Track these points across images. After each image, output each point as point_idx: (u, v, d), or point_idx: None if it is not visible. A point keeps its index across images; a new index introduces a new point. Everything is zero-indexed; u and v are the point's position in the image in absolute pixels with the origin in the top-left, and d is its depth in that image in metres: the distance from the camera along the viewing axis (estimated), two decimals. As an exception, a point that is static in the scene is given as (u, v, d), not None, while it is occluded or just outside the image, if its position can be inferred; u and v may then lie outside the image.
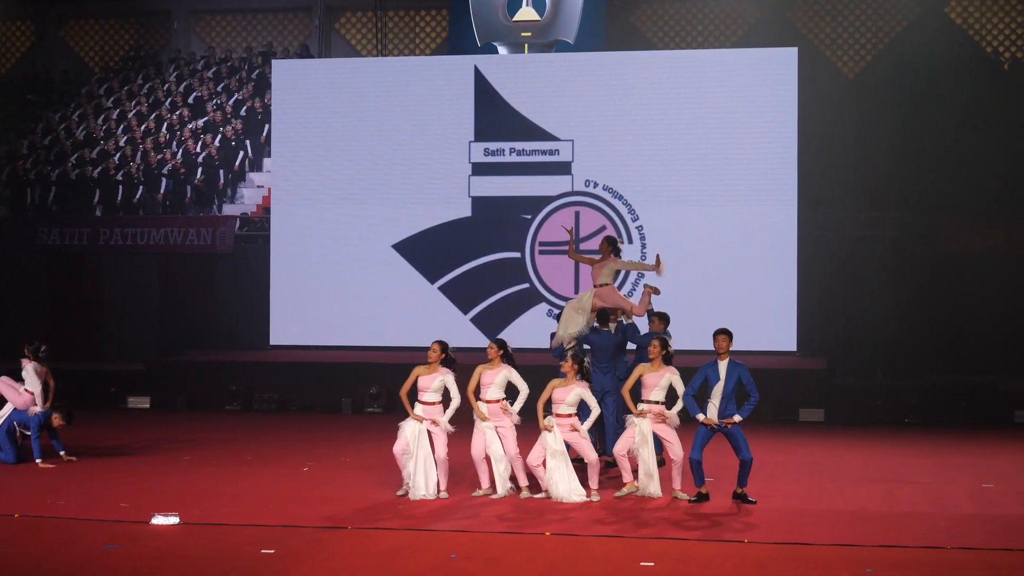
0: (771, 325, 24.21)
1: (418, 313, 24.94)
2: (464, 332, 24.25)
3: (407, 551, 11.57)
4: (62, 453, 16.70)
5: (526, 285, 25.01)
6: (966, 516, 13.37)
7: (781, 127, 24.57)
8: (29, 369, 16.72)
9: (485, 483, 14.44)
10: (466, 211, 25.64)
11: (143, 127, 29.86)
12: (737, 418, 13.76)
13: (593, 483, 14.14)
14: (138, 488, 14.83)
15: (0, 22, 34.84)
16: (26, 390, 16.65)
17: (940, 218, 25.20)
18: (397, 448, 14.32)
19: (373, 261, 25.74)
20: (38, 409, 16.54)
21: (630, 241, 24.87)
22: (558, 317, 16.85)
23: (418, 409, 14.42)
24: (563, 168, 25.34)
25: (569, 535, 12.25)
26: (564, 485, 14.03)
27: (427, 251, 25.61)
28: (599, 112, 25.23)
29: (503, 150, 25.54)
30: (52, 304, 27.39)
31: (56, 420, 16.61)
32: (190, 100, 30.68)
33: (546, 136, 25.39)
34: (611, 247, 16.59)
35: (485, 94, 25.67)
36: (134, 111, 30.49)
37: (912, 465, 17.04)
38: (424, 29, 32.53)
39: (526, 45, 27.83)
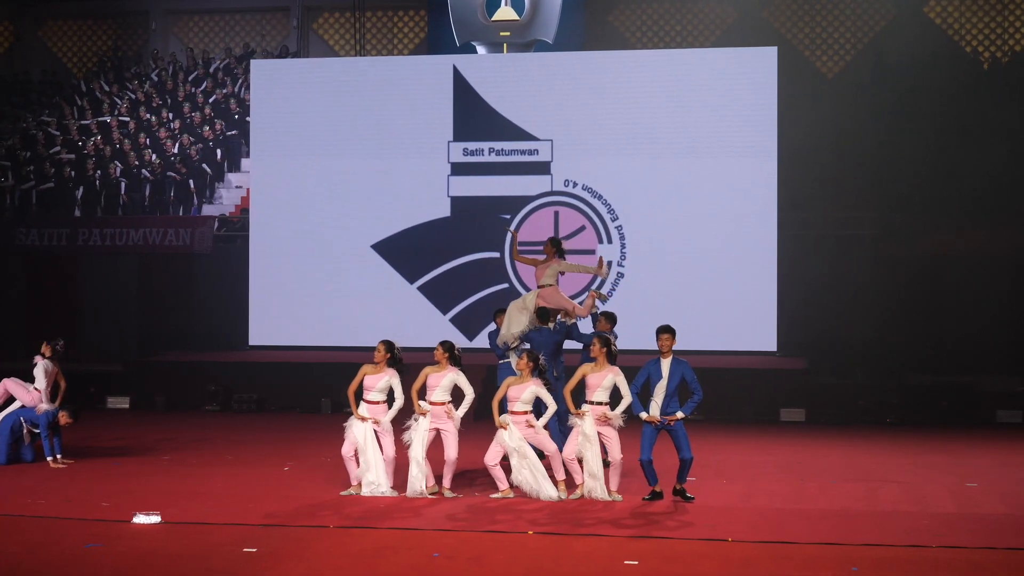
0: (751, 325, 24.25)
1: (397, 313, 24.86)
2: (443, 332, 24.05)
3: (389, 550, 11.50)
4: (58, 455, 16.53)
5: (505, 285, 24.96)
6: (949, 515, 13.37)
7: (760, 127, 24.60)
8: (40, 367, 16.65)
9: (430, 482, 14.40)
10: (445, 211, 25.60)
11: (121, 129, 29.70)
12: (680, 415, 13.73)
13: (559, 474, 14.09)
14: (118, 488, 14.74)
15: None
16: (35, 388, 16.56)
17: (920, 218, 25.25)
18: (345, 450, 14.33)
19: (352, 261, 25.68)
20: (46, 407, 16.45)
21: (609, 241, 24.89)
22: (494, 317, 16.90)
23: (363, 408, 14.39)
24: (542, 168, 25.32)
25: (552, 534, 12.19)
26: (533, 481, 13.96)
27: (406, 251, 25.57)
28: (578, 112, 25.22)
29: (482, 150, 25.51)
30: (30, 304, 27.26)
31: (63, 418, 16.54)
32: (168, 101, 30.53)
33: (525, 136, 25.37)
34: (555, 248, 16.86)
35: (464, 94, 25.64)
36: (112, 113, 30.31)
37: (894, 465, 17.05)
38: (403, 29, 32.48)
39: (505, 45, 27.84)
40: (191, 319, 26.73)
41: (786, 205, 24.78)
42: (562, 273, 16.97)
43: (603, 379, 13.94)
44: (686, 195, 24.80)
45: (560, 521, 12.81)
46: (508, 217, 25.17)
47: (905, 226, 25.29)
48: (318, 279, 25.79)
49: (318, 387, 23.09)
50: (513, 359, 16.13)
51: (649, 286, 24.62)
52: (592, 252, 24.77)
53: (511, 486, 14.18)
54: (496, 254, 25.24)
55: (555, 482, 14.09)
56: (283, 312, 25.82)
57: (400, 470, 14.56)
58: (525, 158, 25.44)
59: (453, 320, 25.06)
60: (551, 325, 16.21)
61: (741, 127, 24.68)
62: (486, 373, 20.62)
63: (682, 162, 24.86)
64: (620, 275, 24.90)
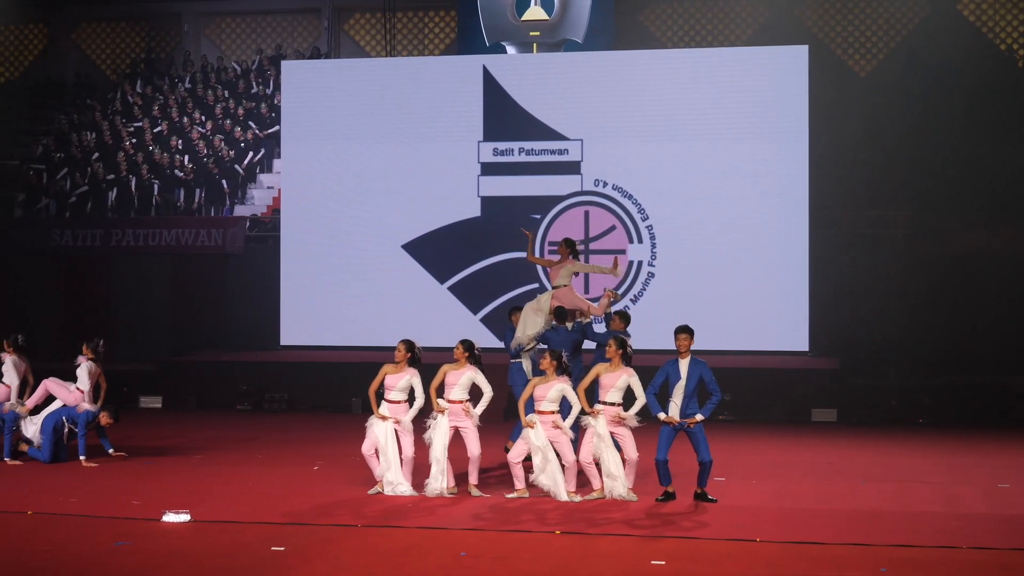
0: (783, 325, 24.16)
1: (428, 313, 24.87)
2: (474, 332, 23.95)
3: (416, 549, 11.53)
4: (110, 451, 16.75)
5: (535, 285, 24.91)
6: (981, 516, 13.30)
7: (791, 125, 24.49)
8: (83, 368, 16.73)
9: (450, 482, 14.42)
10: (475, 211, 25.60)
11: (154, 131, 29.84)
12: (699, 417, 13.67)
13: (571, 485, 14.07)
14: (149, 486, 14.82)
15: (13, 25, 34.86)
16: (77, 388, 16.66)
17: (952, 217, 25.10)
18: (365, 448, 14.37)
19: (383, 261, 25.71)
20: (87, 406, 16.55)
21: (640, 241, 24.85)
22: (509, 316, 16.89)
23: (383, 408, 14.42)
24: (572, 168, 25.29)
25: (579, 533, 12.20)
26: (553, 484, 13.96)
27: (436, 251, 25.58)
28: (608, 111, 25.18)
29: (512, 150, 25.51)
30: (64, 305, 27.39)
31: (104, 419, 16.65)
32: (199, 103, 30.67)
33: (555, 135, 25.35)
34: (569, 249, 16.88)
35: (494, 94, 25.64)
36: (145, 116, 30.45)
37: (925, 465, 16.97)
38: (433, 30, 32.50)
39: (535, 44, 27.78)
40: (223, 319, 26.83)
41: (817, 204, 24.68)
42: (576, 274, 17.00)
43: (617, 379, 13.92)
44: (717, 195, 24.72)
45: (579, 521, 12.80)
46: (538, 217, 25.17)
47: (938, 225, 25.16)
48: (349, 279, 25.83)
49: (348, 387, 23.11)
50: (525, 360, 16.17)
51: (679, 286, 24.56)
52: (623, 252, 24.79)
53: (528, 486, 14.18)
54: (526, 254, 25.16)
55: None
56: (314, 312, 25.87)
57: (420, 470, 14.59)
58: (555, 158, 25.43)
59: (484, 320, 25.04)
60: (569, 325, 16.20)
61: (772, 126, 24.60)
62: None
63: (713, 162, 24.78)
64: (651, 275, 24.85)
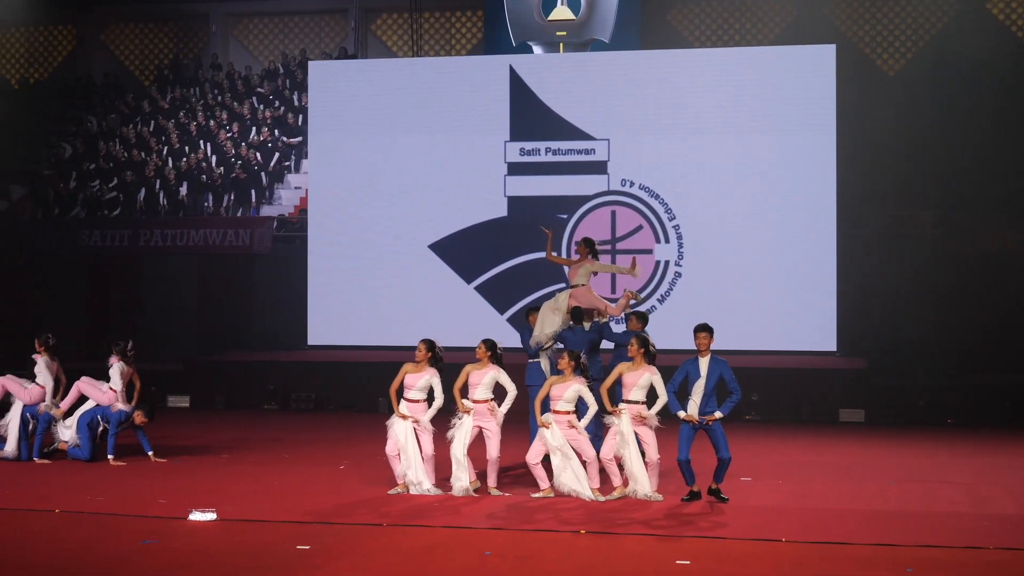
0: (810, 325, 24.11)
1: (454, 313, 24.89)
2: (500, 332, 23.97)
3: (441, 548, 11.53)
4: (150, 453, 16.79)
5: (562, 285, 24.80)
6: (1008, 517, 13.22)
7: (819, 125, 24.44)
8: (115, 368, 16.77)
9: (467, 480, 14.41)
10: (502, 211, 25.62)
11: (182, 135, 29.99)
12: (718, 415, 13.63)
13: (594, 482, 14.06)
14: (176, 485, 14.86)
15: (43, 26, 35.05)
16: (110, 388, 16.72)
17: (980, 216, 25.02)
18: (389, 448, 14.40)
19: (409, 261, 25.76)
20: (121, 406, 16.61)
21: (667, 241, 24.82)
22: (527, 316, 16.93)
23: (403, 407, 14.44)
24: (599, 167, 25.28)
25: (604, 533, 12.17)
26: (575, 483, 13.96)
27: (463, 251, 25.62)
28: (635, 111, 25.17)
29: (539, 150, 25.51)
30: (93, 305, 27.55)
31: (138, 417, 16.71)
32: (227, 106, 30.78)
33: (582, 135, 25.35)
34: (588, 248, 16.83)
35: (520, 94, 25.66)
36: (172, 120, 30.59)
37: (953, 466, 16.90)
38: (459, 30, 32.52)
39: (561, 44, 27.78)
40: (250, 319, 26.94)
41: (845, 204, 24.61)
42: (595, 273, 17.01)
43: (639, 378, 13.89)
44: (744, 194, 24.68)
45: (601, 521, 12.75)
46: (565, 217, 25.17)
47: (966, 224, 25.06)
48: (376, 279, 25.88)
49: (375, 386, 23.07)
50: (544, 360, 16.17)
51: (707, 286, 24.52)
52: (649, 252, 24.80)
53: (552, 486, 14.17)
54: (554, 253, 25.15)
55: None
56: (341, 312, 25.93)
57: (440, 468, 14.60)
58: (582, 158, 25.42)
59: (510, 320, 25.03)
60: (586, 325, 16.21)
61: (800, 126, 24.55)
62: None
63: (740, 161, 24.74)
64: (678, 275, 24.82)
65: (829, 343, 24.07)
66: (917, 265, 24.71)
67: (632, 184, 25.15)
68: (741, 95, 24.88)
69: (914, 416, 21.76)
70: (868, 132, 25.90)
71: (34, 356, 17.05)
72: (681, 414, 13.71)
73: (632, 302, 16.79)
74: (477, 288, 25.57)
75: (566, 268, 17.41)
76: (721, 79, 25.08)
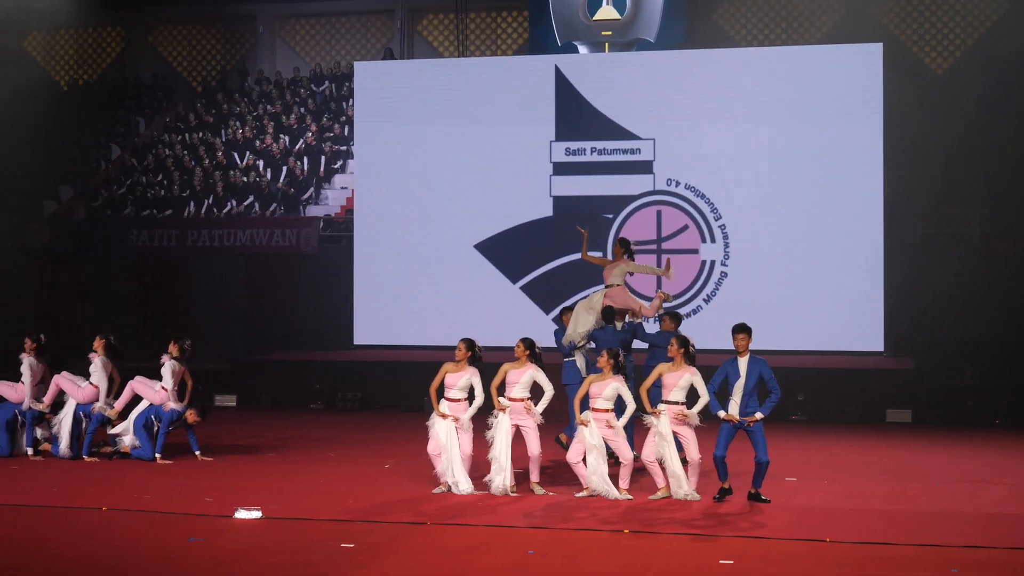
0: (858, 325, 23.96)
1: (500, 313, 24.90)
2: (546, 332, 24.03)
3: (485, 547, 11.56)
4: (197, 453, 16.92)
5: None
6: (1055, 517, 13.14)
7: (866, 124, 24.29)
8: (167, 367, 16.89)
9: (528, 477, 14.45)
10: (547, 211, 25.62)
11: (228, 141, 30.23)
12: (759, 415, 13.61)
13: (624, 483, 14.06)
14: (222, 483, 14.98)
15: (91, 28, 35.35)
16: (161, 387, 16.84)
17: (1030, 216, 24.82)
18: (431, 448, 14.46)
19: (455, 261, 25.80)
20: (173, 405, 16.75)
21: (712, 240, 24.76)
22: (559, 316, 16.92)
23: (443, 406, 14.49)
24: (645, 167, 25.24)
25: (647, 532, 12.17)
26: (601, 483, 13.99)
27: (509, 251, 25.63)
28: (680, 110, 25.10)
29: (584, 149, 25.50)
30: (140, 304, 27.74)
31: (191, 416, 16.83)
32: (274, 110, 30.99)
33: (627, 135, 25.31)
34: (624, 249, 17.01)
35: (566, 93, 25.65)
36: (222, 126, 30.81)
37: (1001, 466, 16.77)
38: (505, 30, 32.57)
39: (606, 44, 27.77)
40: (297, 319, 27.06)
41: (892, 203, 24.45)
42: (630, 274, 17.06)
43: (679, 379, 13.89)
44: (790, 194, 24.58)
45: (642, 520, 12.74)
46: (610, 217, 25.15)
47: (1015, 222, 24.87)
48: (422, 279, 25.94)
49: (421, 386, 22.83)
50: (579, 358, 16.22)
51: (753, 285, 24.44)
52: (695, 251, 24.76)
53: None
54: (599, 253, 25.08)
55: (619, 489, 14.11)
56: (387, 311, 26.00)
57: (478, 467, 14.64)
58: (627, 157, 25.39)
59: (556, 320, 24.93)
60: (618, 325, 16.23)
61: (846, 124, 24.40)
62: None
63: (786, 160, 24.64)
64: (724, 275, 24.75)
65: (876, 343, 23.92)
66: (965, 264, 24.53)
67: (678, 184, 25.10)
68: (787, 94, 24.77)
69: (962, 416, 21.60)
70: (915, 131, 25.74)
71: (90, 355, 17.15)
72: (721, 414, 13.71)
73: (665, 303, 16.83)
74: (523, 288, 25.58)
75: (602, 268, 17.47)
76: (767, 78, 24.98)
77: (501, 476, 14.28)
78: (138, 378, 17.15)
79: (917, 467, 16.63)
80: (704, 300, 24.58)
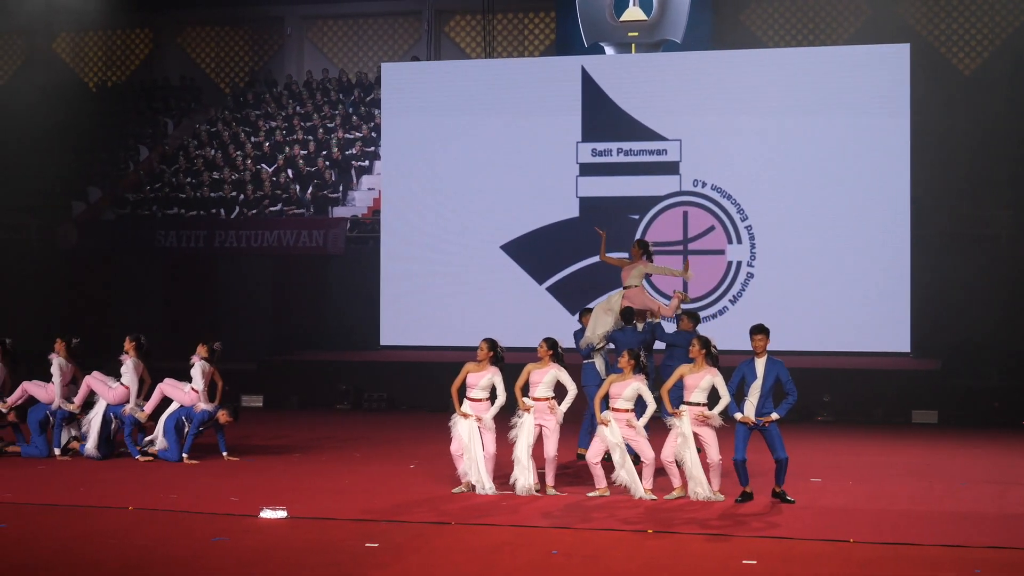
0: (884, 326, 23.92)
1: (526, 314, 24.90)
2: (572, 333, 24.21)
3: (509, 547, 11.60)
4: (224, 454, 16.97)
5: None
6: (1081, 518, 13.09)
7: (893, 125, 24.23)
8: (197, 367, 16.94)
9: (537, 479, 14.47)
10: (574, 212, 25.64)
11: (258, 143, 30.38)
12: (775, 416, 13.60)
13: (648, 483, 14.08)
14: (248, 483, 15.05)
15: (120, 30, 35.55)
16: (191, 388, 16.91)
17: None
18: (454, 449, 14.53)
19: (481, 262, 25.85)
20: (203, 406, 16.82)
21: (739, 241, 24.73)
22: (579, 317, 16.95)
23: (466, 405, 14.54)
24: (671, 168, 25.24)
25: (671, 532, 12.19)
26: (630, 481, 14.01)
27: (535, 252, 25.66)
28: (707, 111, 25.09)
29: (611, 150, 25.51)
30: (168, 304, 27.90)
31: (223, 417, 16.90)
32: (303, 113, 31.13)
33: (654, 136, 25.31)
34: (642, 250, 17.08)
35: (592, 94, 25.66)
36: (251, 133, 30.95)
37: (1027, 467, 16.73)
38: (532, 31, 32.61)
39: (633, 45, 27.76)
40: (324, 319, 27.15)
41: (919, 204, 24.39)
42: (648, 275, 17.11)
43: (701, 380, 13.89)
44: (817, 195, 24.53)
45: (663, 521, 12.76)
46: (636, 218, 25.16)
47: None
48: (448, 280, 25.99)
49: (447, 386, 22.90)
50: (598, 360, 16.25)
51: (779, 287, 24.42)
52: (722, 252, 24.76)
53: (609, 484, 14.20)
54: (625, 255, 24.89)
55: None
56: (414, 312, 26.05)
57: (501, 467, 14.69)
58: (654, 158, 25.39)
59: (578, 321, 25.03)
60: (638, 326, 16.25)
61: (873, 125, 24.35)
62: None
63: (813, 161, 24.61)
64: (750, 275, 24.73)
65: (903, 344, 23.86)
66: (991, 265, 24.45)
67: (704, 184, 25.09)
68: (814, 95, 24.73)
69: (988, 417, 21.52)
70: (943, 132, 25.67)
71: (121, 357, 17.22)
72: (738, 415, 13.71)
73: (684, 304, 16.88)
74: (549, 289, 25.61)
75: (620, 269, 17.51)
76: (794, 79, 24.95)
77: (525, 476, 14.32)
78: (167, 380, 17.18)
79: (943, 468, 16.59)
80: (730, 301, 24.56)
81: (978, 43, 29.58)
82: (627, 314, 16.34)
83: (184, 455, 16.71)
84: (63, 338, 17.46)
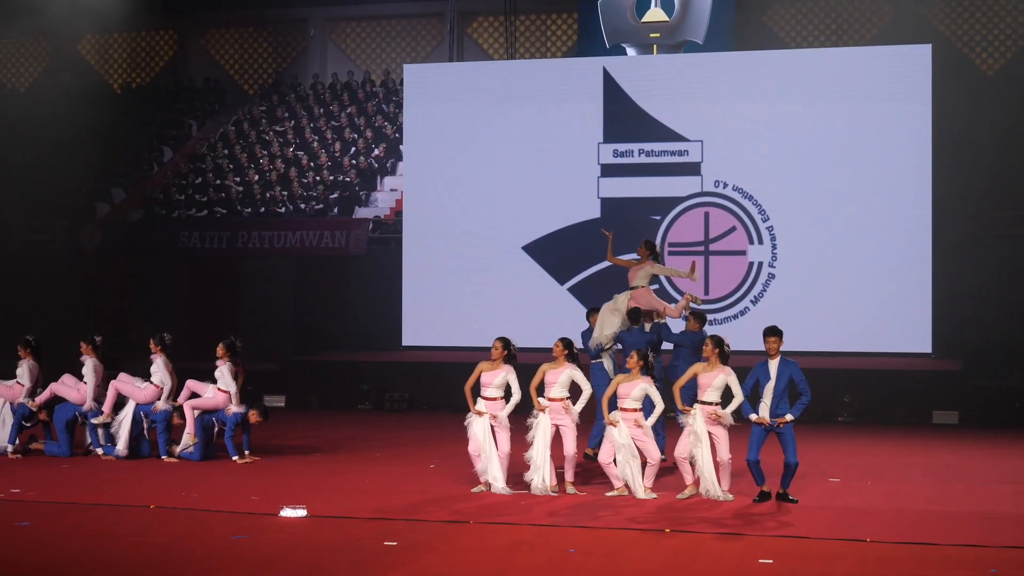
0: (905, 327, 23.89)
1: (547, 314, 24.88)
2: (581, 333, 24.26)
3: (526, 545, 11.66)
4: (235, 457, 16.90)
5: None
6: (1099, 518, 13.08)
7: (915, 125, 24.20)
8: (224, 369, 17.00)
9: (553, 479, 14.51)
10: (595, 212, 25.67)
11: (282, 144, 30.52)
12: (789, 417, 13.62)
13: (649, 482, 14.17)
14: (269, 482, 15.15)
15: (145, 31, 35.73)
16: (219, 389, 16.94)
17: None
18: (472, 449, 14.66)
19: (503, 262, 25.90)
20: (235, 408, 16.88)
21: (760, 242, 24.73)
22: (587, 317, 17.07)
23: (480, 404, 14.61)
24: (692, 169, 25.25)
25: (688, 532, 12.23)
26: (632, 482, 14.10)
27: (556, 252, 25.70)
28: (729, 112, 25.09)
29: (632, 151, 25.54)
30: (191, 305, 28.02)
31: (253, 417, 16.98)
32: (327, 114, 31.26)
33: (675, 137, 25.33)
34: (649, 251, 17.16)
35: (614, 95, 25.69)
36: (278, 139, 31.10)
37: (1047, 468, 16.71)
38: (555, 32, 32.66)
39: (655, 46, 27.77)
40: (346, 320, 27.24)
41: (941, 205, 24.33)
42: (655, 276, 17.22)
43: (714, 379, 13.94)
44: (839, 195, 24.51)
45: (679, 520, 12.81)
46: (658, 218, 25.18)
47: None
48: (469, 280, 26.04)
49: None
50: (607, 360, 16.30)
51: (800, 287, 24.41)
52: (743, 253, 24.78)
53: (625, 484, 14.29)
54: (635, 256, 25.14)
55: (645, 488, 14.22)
56: (435, 313, 26.11)
57: (517, 466, 14.75)
58: (675, 159, 25.41)
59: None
60: (646, 326, 16.40)
61: (895, 126, 24.33)
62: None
63: (835, 162, 24.58)
64: (771, 276, 24.72)
65: (924, 345, 23.82)
66: (1014, 266, 24.35)
67: (726, 185, 25.09)
68: (835, 95, 24.70)
69: (1009, 418, 21.47)
70: (965, 132, 25.62)
71: (151, 356, 17.31)
72: (752, 417, 13.74)
73: (692, 304, 16.93)
74: (570, 289, 25.64)
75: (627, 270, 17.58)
76: (815, 80, 24.92)
77: (540, 475, 14.38)
78: (190, 381, 17.22)
79: (962, 469, 16.58)
80: (751, 301, 24.56)
81: (1001, 43, 29.51)
82: (634, 314, 16.43)
83: (235, 458, 16.74)
84: (86, 340, 17.54)
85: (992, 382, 22.62)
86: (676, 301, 18.57)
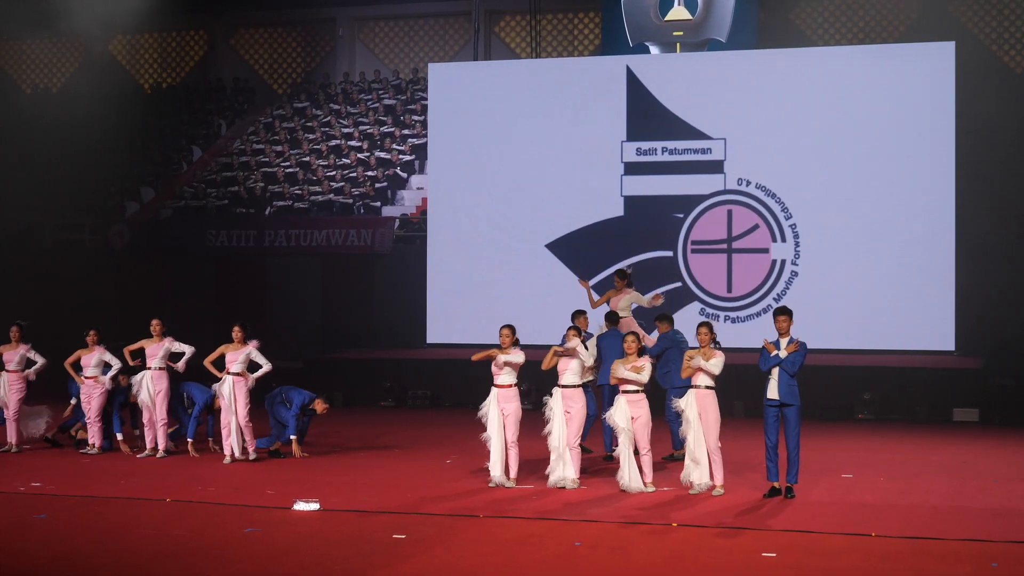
0: (928, 324, 23.86)
1: (571, 311, 24.91)
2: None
3: (535, 539, 11.77)
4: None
5: (678, 284, 25.01)
6: (1111, 514, 13.09)
7: (938, 122, 24.16)
8: (256, 352, 17.06)
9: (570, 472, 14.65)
10: (618, 210, 25.74)
11: (310, 142, 30.73)
12: (793, 346, 13.69)
13: (647, 476, 14.35)
14: (284, 477, 15.33)
15: (175, 32, 36.04)
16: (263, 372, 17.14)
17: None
18: (485, 437, 14.89)
19: (527, 260, 25.99)
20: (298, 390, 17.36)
21: (783, 240, 24.75)
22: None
23: (493, 393, 14.90)
24: (715, 167, 25.28)
25: (695, 526, 12.32)
26: (626, 478, 14.24)
27: (580, 250, 25.78)
28: (752, 110, 25.12)
29: (655, 149, 25.60)
30: (218, 303, 28.21)
31: (319, 405, 17.33)
32: (354, 113, 31.45)
33: (698, 135, 25.37)
34: (624, 280, 18.20)
35: (637, 94, 25.76)
36: (307, 139, 31.33)
37: (1065, 465, 16.69)
38: (580, 31, 32.75)
39: (678, 44, 27.82)
40: (371, 318, 27.38)
41: (964, 202, 24.28)
42: (634, 304, 17.87)
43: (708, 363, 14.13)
44: (862, 193, 24.49)
45: (704, 514, 12.90)
46: (680, 216, 25.24)
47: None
48: (494, 278, 26.14)
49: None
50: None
51: (823, 285, 24.40)
52: (766, 251, 24.80)
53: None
54: (669, 253, 25.30)
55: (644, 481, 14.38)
56: (460, 310, 26.21)
57: (527, 459, 14.97)
58: (698, 157, 25.45)
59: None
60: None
61: (919, 123, 24.29)
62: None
63: (857, 159, 24.57)
64: (794, 274, 24.73)
65: (947, 343, 23.78)
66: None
67: (748, 183, 25.12)
68: (859, 93, 24.68)
69: (1031, 416, 21.47)
70: (992, 130, 25.54)
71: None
72: (765, 340, 13.88)
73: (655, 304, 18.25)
74: (594, 287, 25.58)
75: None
76: (838, 77, 24.91)
77: (560, 469, 14.52)
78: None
79: (978, 466, 16.57)
80: (774, 299, 24.56)
81: (1028, 41, 29.44)
82: (611, 318, 17.19)
83: (190, 439, 17.18)
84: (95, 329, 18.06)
85: (1013, 380, 22.56)
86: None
